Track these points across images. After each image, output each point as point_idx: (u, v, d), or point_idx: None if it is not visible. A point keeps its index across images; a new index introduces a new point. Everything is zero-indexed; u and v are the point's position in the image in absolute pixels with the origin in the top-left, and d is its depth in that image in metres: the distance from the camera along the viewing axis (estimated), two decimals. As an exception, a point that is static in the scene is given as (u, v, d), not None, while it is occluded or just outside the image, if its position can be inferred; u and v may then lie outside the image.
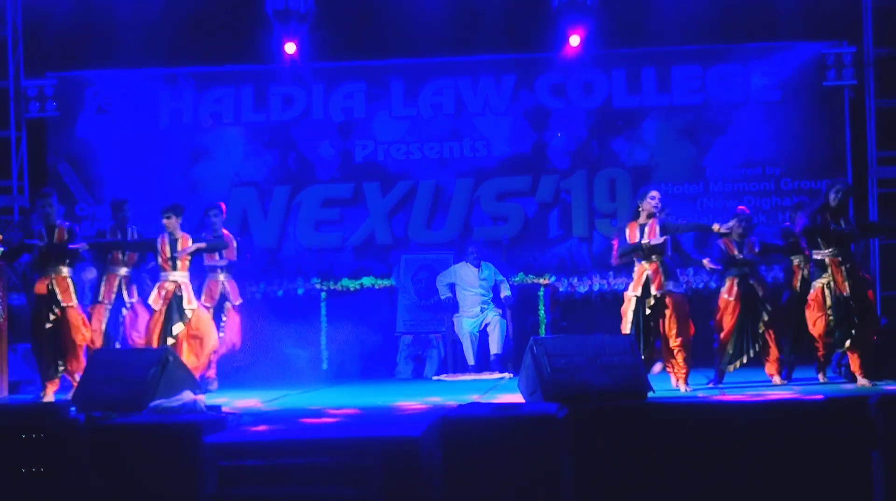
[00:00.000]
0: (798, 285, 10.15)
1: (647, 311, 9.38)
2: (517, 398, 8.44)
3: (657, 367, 10.12)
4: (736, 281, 9.89)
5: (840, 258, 9.32)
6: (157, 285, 10.24)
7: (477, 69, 13.68)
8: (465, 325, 12.40)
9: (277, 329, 12.41)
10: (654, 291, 9.36)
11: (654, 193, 9.60)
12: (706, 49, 13.41)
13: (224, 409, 7.90)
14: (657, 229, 9.43)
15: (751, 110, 13.37)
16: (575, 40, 13.15)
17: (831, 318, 9.32)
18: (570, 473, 6.86)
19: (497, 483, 6.68)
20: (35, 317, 10.10)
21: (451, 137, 13.74)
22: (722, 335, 9.90)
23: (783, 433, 7.11)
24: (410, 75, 13.76)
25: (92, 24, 13.45)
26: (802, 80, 13.22)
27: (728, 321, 9.87)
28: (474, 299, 12.47)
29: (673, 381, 9.43)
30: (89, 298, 10.85)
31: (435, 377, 12.40)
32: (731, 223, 9.69)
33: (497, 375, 12.05)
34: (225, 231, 11.29)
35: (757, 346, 9.85)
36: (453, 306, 12.61)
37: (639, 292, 9.41)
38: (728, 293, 9.90)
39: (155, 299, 10.16)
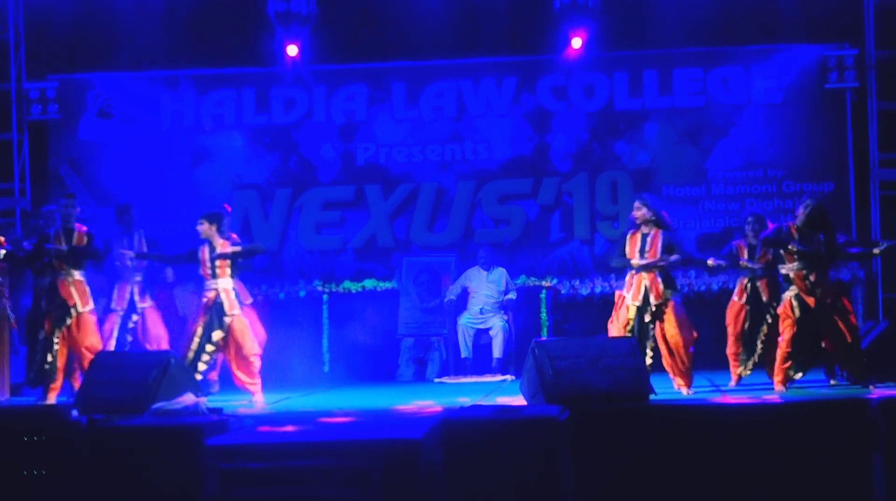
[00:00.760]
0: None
1: (648, 318, 9.40)
2: (519, 400, 8.44)
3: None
4: (745, 284, 9.95)
5: (804, 272, 9.28)
6: (200, 295, 10.10)
7: (478, 71, 13.68)
8: (463, 319, 12.49)
9: (279, 332, 12.41)
10: (653, 300, 9.38)
11: (637, 203, 9.60)
12: (708, 51, 13.41)
13: (226, 411, 7.90)
14: (659, 243, 9.42)
15: (752, 113, 13.36)
16: (576, 43, 13.15)
17: (798, 329, 9.29)
18: (571, 475, 6.86)
19: (498, 485, 6.68)
20: (46, 320, 10.01)
21: (452, 140, 13.74)
22: (731, 336, 9.93)
23: (785, 435, 7.10)
24: (412, 78, 13.76)
25: (93, 26, 13.48)
26: (804, 82, 13.21)
27: (734, 324, 9.92)
28: (478, 299, 12.53)
29: (675, 384, 9.43)
30: (104, 304, 10.86)
31: (436, 380, 12.41)
32: (721, 263, 9.88)
33: (499, 377, 12.06)
34: (233, 235, 11.26)
35: (759, 351, 9.85)
36: (457, 308, 12.62)
37: (639, 302, 9.41)
38: (737, 296, 9.98)
39: (197, 310, 10.04)
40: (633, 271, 9.51)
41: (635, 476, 7.06)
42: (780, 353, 9.35)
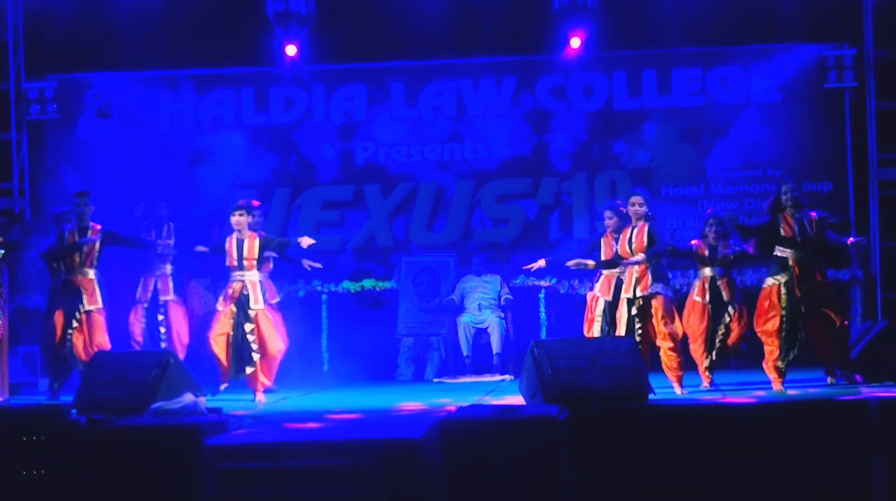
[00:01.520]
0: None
1: (634, 311, 9.42)
2: (518, 400, 8.45)
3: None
4: (705, 283, 9.85)
5: (800, 258, 9.30)
6: (226, 285, 10.12)
7: (478, 71, 13.67)
8: (464, 318, 12.58)
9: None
10: (640, 292, 9.41)
11: (633, 198, 9.68)
12: (707, 51, 13.39)
13: (225, 411, 7.90)
14: (644, 236, 9.48)
15: (751, 112, 13.35)
16: (575, 42, 13.14)
17: (784, 316, 9.30)
18: (570, 475, 6.86)
19: (498, 484, 6.68)
20: (58, 317, 10.03)
21: (451, 140, 13.74)
22: (693, 336, 9.84)
23: (784, 435, 7.11)
24: (411, 77, 13.76)
25: (92, 26, 13.45)
26: (803, 82, 13.20)
27: (697, 322, 9.82)
28: (475, 298, 12.63)
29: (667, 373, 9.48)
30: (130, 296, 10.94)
31: (436, 380, 12.42)
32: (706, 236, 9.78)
33: (498, 377, 12.07)
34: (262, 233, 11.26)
35: (717, 348, 9.80)
36: (456, 308, 12.66)
37: (629, 293, 9.46)
38: (699, 296, 9.86)
39: (221, 300, 10.05)
40: (622, 266, 9.58)
41: (634, 475, 7.07)
42: (768, 348, 9.35)
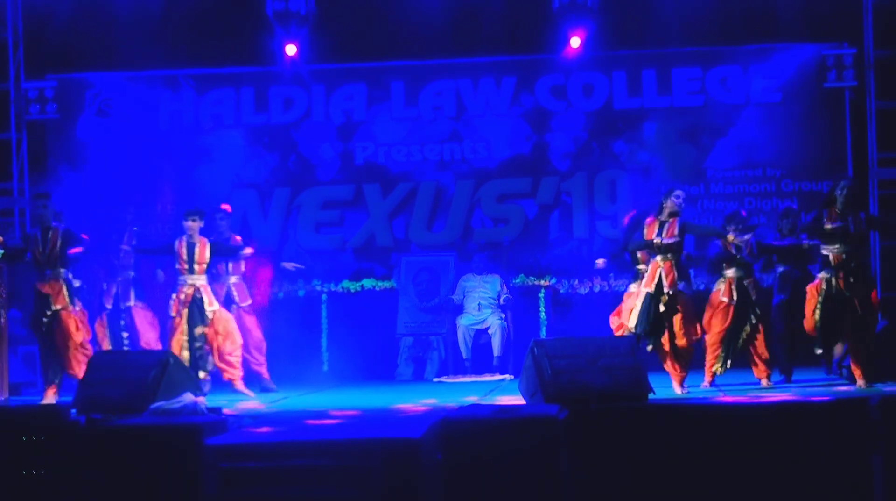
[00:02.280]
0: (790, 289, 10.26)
1: (662, 308, 9.40)
2: (518, 399, 8.45)
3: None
4: (733, 283, 9.88)
5: (844, 257, 9.36)
6: (176, 291, 10.19)
7: (477, 71, 13.67)
8: (463, 320, 12.57)
9: (278, 331, 12.40)
10: (666, 288, 9.40)
11: (678, 191, 9.68)
12: (706, 51, 13.40)
13: (225, 411, 7.90)
14: (676, 228, 9.48)
15: (751, 112, 13.35)
16: (575, 42, 13.14)
17: (819, 311, 9.36)
18: (570, 474, 6.86)
19: (497, 484, 6.68)
20: (34, 320, 10.10)
21: (451, 139, 13.74)
22: (712, 335, 9.86)
23: (784, 435, 7.10)
24: (411, 77, 13.75)
25: (92, 26, 13.45)
26: (803, 81, 13.20)
27: (720, 323, 9.83)
28: (475, 298, 12.61)
29: (668, 369, 9.47)
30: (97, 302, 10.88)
31: (435, 379, 12.42)
32: (744, 236, 9.75)
33: (498, 377, 12.07)
34: (237, 237, 11.26)
35: (738, 349, 9.83)
36: (456, 308, 12.65)
37: (652, 289, 9.43)
38: (725, 296, 9.88)
39: (174, 306, 10.12)
40: (652, 259, 9.56)
41: (634, 475, 7.06)
42: (808, 326, 9.52)
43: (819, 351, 9.63)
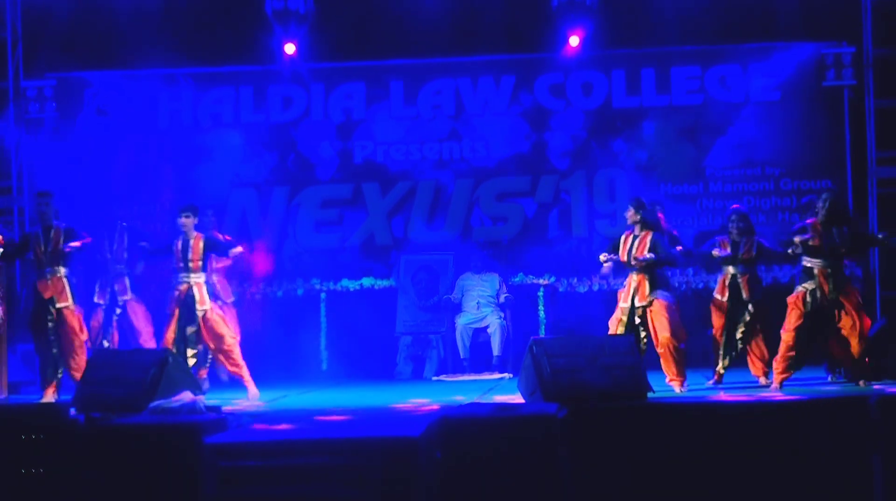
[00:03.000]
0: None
1: (637, 320, 9.46)
2: (517, 398, 8.45)
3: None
4: (727, 280, 9.90)
5: (829, 270, 9.36)
6: (174, 288, 10.18)
7: (476, 70, 13.67)
8: (461, 320, 12.58)
9: (277, 330, 12.41)
10: (637, 302, 9.45)
11: (630, 208, 9.74)
12: (705, 49, 13.40)
13: (224, 409, 7.90)
14: (647, 244, 9.53)
15: (750, 111, 13.36)
16: (574, 41, 13.13)
17: (805, 323, 9.36)
18: (569, 473, 6.86)
19: (496, 483, 6.68)
20: (33, 319, 10.10)
21: (450, 138, 13.74)
22: (713, 332, 9.92)
23: (783, 433, 7.11)
24: (410, 76, 13.75)
25: (91, 25, 13.44)
26: (802, 80, 13.20)
27: (716, 320, 9.89)
28: (474, 296, 12.62)
29: (667, 380, 9.45)
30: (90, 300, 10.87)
31: (434, 378, 12.42)
32: (726, 248, 9.84)
33: (497, 375, 12.07)
34: (227, 237, 11.25)
35: (738, 347, 9.84)
36: (455, 307, 12.66)
37: (627, 303, 9.51)
38: (719, 293, 9.92)
39: (170, 303, 10.12)
40: (629, 272, 9.63)
41: (633, 473, 7.07)
42: (784, 345, 9.42)
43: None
